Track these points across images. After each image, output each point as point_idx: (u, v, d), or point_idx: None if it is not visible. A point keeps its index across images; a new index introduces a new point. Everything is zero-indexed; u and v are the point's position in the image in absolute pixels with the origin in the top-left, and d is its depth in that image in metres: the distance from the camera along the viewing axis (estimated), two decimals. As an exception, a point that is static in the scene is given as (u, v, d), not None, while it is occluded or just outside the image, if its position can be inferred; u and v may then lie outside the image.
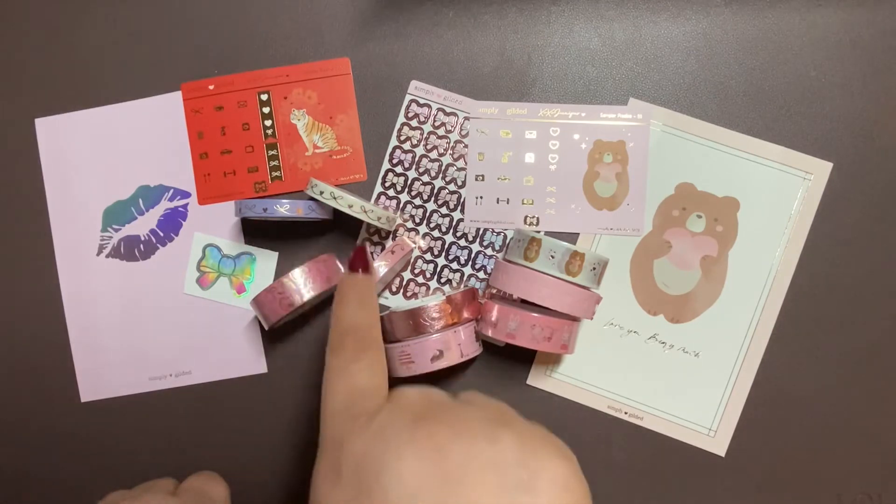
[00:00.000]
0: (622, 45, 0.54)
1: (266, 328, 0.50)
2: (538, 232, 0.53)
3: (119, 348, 0.55)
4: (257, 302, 0.49)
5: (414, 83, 0.54)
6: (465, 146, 0.54)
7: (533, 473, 0.31)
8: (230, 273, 0.54)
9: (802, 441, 0.53)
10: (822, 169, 0.53)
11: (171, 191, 0.55)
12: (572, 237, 0.53)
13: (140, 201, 0.55)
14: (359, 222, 0.54)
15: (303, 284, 0.48)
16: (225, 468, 0.54)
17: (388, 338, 0.50)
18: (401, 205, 0.54)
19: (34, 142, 0.55)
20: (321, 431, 0.35)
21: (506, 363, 0.54)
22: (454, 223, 0.54)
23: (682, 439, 0.53)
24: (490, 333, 0.48)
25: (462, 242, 0.54)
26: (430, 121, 0.54)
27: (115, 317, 0.55)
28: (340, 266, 0.52)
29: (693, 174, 0.53)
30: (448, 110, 0.54)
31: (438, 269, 0.54)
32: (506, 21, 0.54)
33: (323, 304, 0.54)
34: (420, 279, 0.54)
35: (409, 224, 0.54)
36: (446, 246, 0.54)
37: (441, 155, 0.54)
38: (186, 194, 0.55)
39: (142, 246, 0.55)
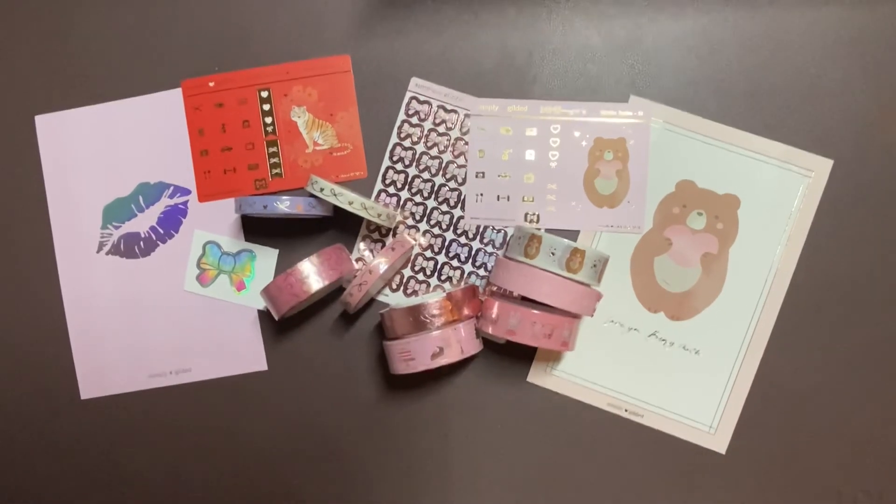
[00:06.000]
0: (623, 43, 0.54)
1: (276, 318, 0.50)
2: (538, 229, 0.53)
3: (119, 345, 0.55)
4: (272, 289, 0.48)
5: (414, 80, 0.54)
6: (466, 143, 0.54)
7: None
8: (230, 270, 0.54)
9: (803, 439, 0.53)
10: (822, 166, 0.53)
11: (172, 188, 0.55)
12: (573, 234, 0.53)
13: (140, 198, 0.55)
14: (359, 219, 0.54)
15: (316, 272, 0.48)
16: (224, 465, 0.54)
17: (389, 335, 0.50)
18: (401, 202, 0.54)
19: (34, 139, 0.55)
20: None
21: (506, 360, 0.53)
22: (454, 220, 0.54)
23: (682, 437, 0.53)
24: (490, 330, 0.48)
25: (462, 240, 0.54)
26: (431, 118, 0.54)
27: (115, 314, 0.55)
28: (350, 257, 0.52)
29: (694, 171, 0.53)
30: (448, 107, 0.54)
31: (439, 266, 0.54)
32: (506, 18, 0.54)
33: (323, 301, 0.54)
34: (420, 276, 0.54)
35: (410, 221, 0.54)
36: (446, 243, 0.54)
37: (441, 152, 0.54)
38: (186, 191, 0.55)
39: (142, 243, 0.55)
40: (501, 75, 0.54)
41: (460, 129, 0.54)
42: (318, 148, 0.54)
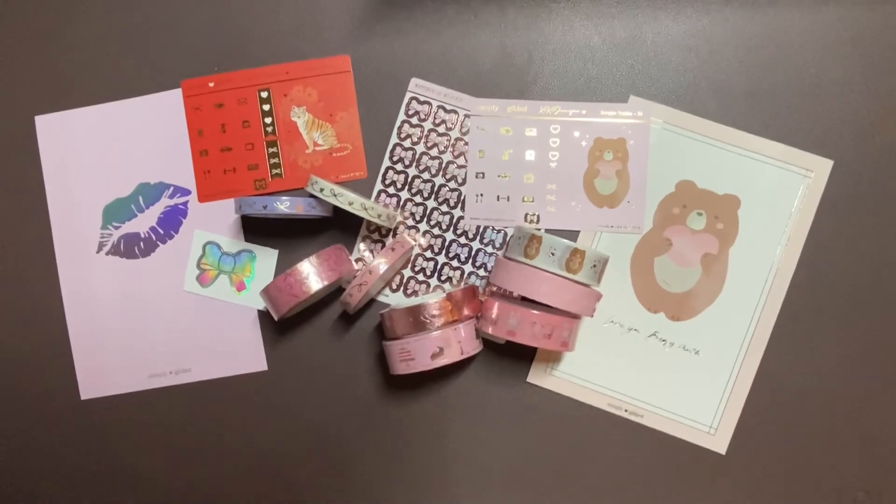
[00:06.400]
0: (623, 43, 0.53)
1: (276, 318, 0.50)
2: (538, 229, 0.53)
3: (119, 346, 0.54)
4: (272, 289, 0.49)
5: (414, 80, 0.54)
6: (466, 144, 0.54)
7: None
8: (230, 271, 0.54)
9: (802, 439, 0.53)
10: (822, 166, 0.52)
11: (172, 188, 0.55)
12: (573, 235, 0.53)
13: (140, 198, 0.55)
14: (359, 220, 0.54)
15: (316, 273, 0.48)
16: (224, 465, 0.54)
17: (389, 335, 0.50)
18: (401, 202, 0.54)
19: (34, 139, 0.55)
20: None
21: (506, 361, 0.53)
22: (454, 221, 0.54)
23: (682, 437, 0.53)
24: (490, 331, 0.48)
25: (462, 240, 0.54)
26: (431, 118, 0.54)
27: (114, 314, 0.55)
28: (349, 257, 0.52)
29: (693, 172, 0.53)
30: (448, 108, 0.54)
31: (438, 266, 0.54)
32: (506, 18, 0.54)
33: (323, 301, 0.54)
34: (420, 276, 0.54)
35: (410, 221, 0.54)
36: (446, 243, 0.54)
37: (441, 152, 0.54)
38: (186, 192, 0.55)
39: (142, 243, 0.55)
40: (501, 75, 0.54)
41: (460, 130, 0.54)
42: (317, 148, 0.54)
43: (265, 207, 0.49)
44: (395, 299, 0.54)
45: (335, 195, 0.48)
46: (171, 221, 0.55)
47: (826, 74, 0.53)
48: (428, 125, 0.54)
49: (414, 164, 0.54)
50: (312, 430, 0.54)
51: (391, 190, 0.54)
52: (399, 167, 0.54)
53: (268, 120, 0.54)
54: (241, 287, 0.54)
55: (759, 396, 0.53)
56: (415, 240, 0.54)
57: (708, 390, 0.53)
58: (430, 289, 0.54)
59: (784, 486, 0.53)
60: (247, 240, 0.54)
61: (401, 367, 0.48)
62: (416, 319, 0.48)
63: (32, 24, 0.55)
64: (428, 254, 0.54)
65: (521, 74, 0.54)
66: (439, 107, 0.54)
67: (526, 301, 0.50)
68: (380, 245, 0.54)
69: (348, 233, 0.54)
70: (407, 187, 0.54)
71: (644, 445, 0.53)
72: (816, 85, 0.53)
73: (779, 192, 0.53)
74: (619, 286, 0.53)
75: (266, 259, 0.54)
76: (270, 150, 0.54)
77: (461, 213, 0.54)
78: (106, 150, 0.55)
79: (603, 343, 0.53)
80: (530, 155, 0.54)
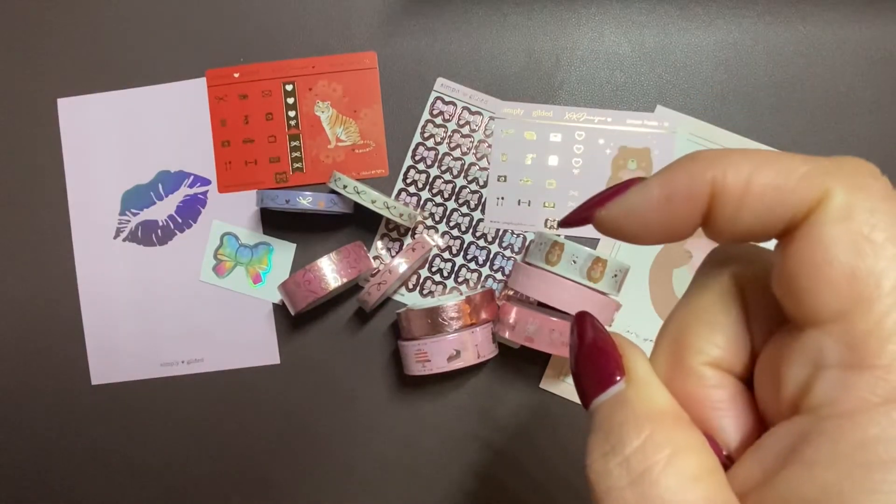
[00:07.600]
0: (652, 52, 0.53)
1: (293, 314, 0.50)
2: (559, 235, 0.52)
3: (132, 333, 0.54)
4: (290, 284, 0.48)
5: (440, 80, 0.54)
6: (489, 146, 0.53)
7: None
8: (247, 262, 0.54)
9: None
10: (846, 185, 0.52)
11: (192, 177, 0.54)
12: (592, 242, 0.53)
13: (160, 186, 0.55)
14: (377, 217, 0.53)
15: (335, 270, 0.48)
16: (233, 457, 0.54)
17: (405, 335, 0.50)
18: (421, 202, 0.54)
19: (56, 122, 0.54)
20: None
21: (519, 365, 0.53)
22: (474, 223, 0.54)
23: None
24: (507, 336, 0.48)
25: (481, 242, 0.54)
26: (455, 119, 0.54)
27: (129, 301, 0.54)
28: (368, 255, 0.51)
29: (717, 185, 0.53)
30: (473, 109, 0.54)
31: (456, 268, 0.54)
32: (535, 22, 0.54)
33: (338, 297, 0.54)
34: (437, 277, 0.54)
35: (429, 222, 0.54)
36: (465, 245, 0.54)
37: (464, 154, 0.54)
38: (206, 181, 0.54)
39: (159, 231, 0.54)
40: (528, 79, 0.53)
41: (484, 132, 0.54)
42: (340, 144, 0.54)
43: (287, 202, 0.48)
44: (411, 299, 0.54)
45: (358, 192, 0.48)
46: (190, 210, 0.54)
47: (855, 94, 0.52)
48: (452, 126, 0.54)
49: (436, 164, 0.54)
50: (321, 425, 0.54)
51: (412, 189, 0.54)
52: (421, 167, 0.54)
53: (291, 113, 0.54)
54: (257, 279, 0.54)
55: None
56: (432, 240, 0.54)
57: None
58: (447, 290, 0.54)
59: None
60: (265, 232, 0.54)
61: (416, 368, 0.48)
62: (434, 321, 0.47)
63: (58, 6, 0.55)
64: (446, 255, 0.54)
65: (548, 79, 0.53)
66: (464, 108, 0.53)
67: (543, 307, 0.50)
68: (397, 244, 0.54)
69: (366, 229, 0.54)
70: (428, 187, 0.54)
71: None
72: (845, 104, 0.52)
73: (801, 210, 0.52)
74: (636, 297, 0.53)
75: (283, 252, 0.54)
76: (293, 143, 0.54)
77: (481, 216, 0.54)
78: (127, 136, 0.54)
79: (618, 352, 0.53)
80: (553, 160, 0.53)
